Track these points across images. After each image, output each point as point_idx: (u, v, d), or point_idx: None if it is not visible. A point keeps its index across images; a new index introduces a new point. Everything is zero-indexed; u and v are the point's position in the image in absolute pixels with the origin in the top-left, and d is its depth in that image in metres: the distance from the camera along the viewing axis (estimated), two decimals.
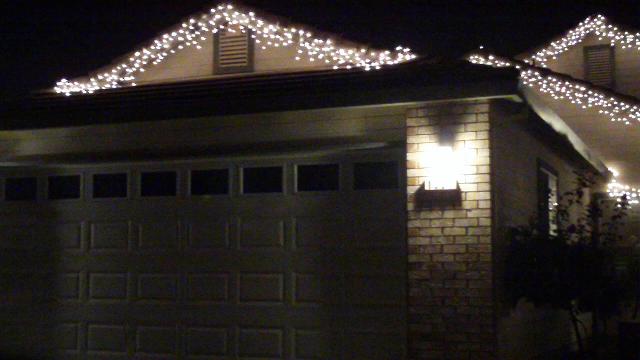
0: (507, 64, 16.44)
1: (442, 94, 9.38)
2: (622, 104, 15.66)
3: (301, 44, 13.04)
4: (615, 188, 15.35)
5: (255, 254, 10.30)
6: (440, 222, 9.36)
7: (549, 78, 16.36)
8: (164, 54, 13.90)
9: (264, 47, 13.39)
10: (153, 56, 13.91)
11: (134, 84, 13.81)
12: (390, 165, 9.80)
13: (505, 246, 9.70)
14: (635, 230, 14.92)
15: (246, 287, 10.29)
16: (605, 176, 15.34)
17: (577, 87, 16.19)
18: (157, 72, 13.88)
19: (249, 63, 13.51)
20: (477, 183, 9.30)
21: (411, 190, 9.47)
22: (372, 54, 12.51)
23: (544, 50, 18.71)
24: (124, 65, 13.94)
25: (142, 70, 13.95)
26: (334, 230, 9.99)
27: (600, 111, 15.79)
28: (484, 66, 13.04)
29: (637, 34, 18.05)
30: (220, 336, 10.29)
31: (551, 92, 16.21)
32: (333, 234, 9.99)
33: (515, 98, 9.26)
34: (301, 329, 9.96)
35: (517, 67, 15.23)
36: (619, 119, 15.70)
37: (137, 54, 13.87)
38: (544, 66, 17.72)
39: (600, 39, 18.46)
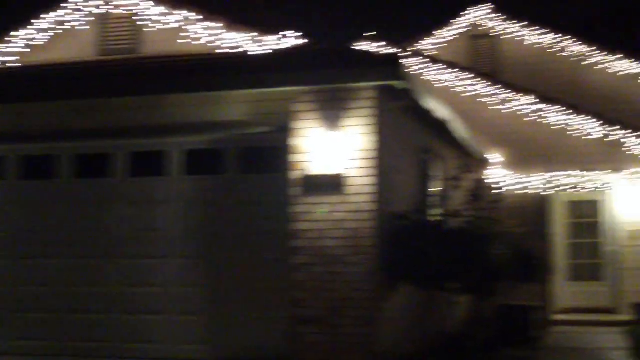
0: (392, 51, 16.64)
1: (327, 79, 9.46)
2: (506, 91, 16.07)
3: (189, 27, 12.92)
4: (496, 174, 15.76)
5: (139, 239, 10.17)
6: (324, 207, 9.42)
7: (436, 65, 16.64)
8: (49, 33, 13.56)
9: (151, 29, 13.22)
10: (36, 36, 13.56)
11: (15, 65, 13.42)
12: (276, 150, 9.79)
13: (388, 231, 9.83)
14: (515, 215, 15.38)
15: (130, 273, 10.15)
16: (488, 162, 15.73)
17: (462, 74, 16.52)
18: (41, 53, 13.54)
19: (136, 45, 13.32)
20: (362, 168, 9.41)
21: (296, 175, 9.51)
22: (262, 38, 12.50)
23: (431, 38, 19.07)
24: (2, 45, 13.52)
25: (26, 50, 13.58)
26: (220, 215, 9.96)
27: (485, 99, 16.15)
28: (368, 52, 13.19)
29: (522, 24, 18.54)
30: (102, 323, 10.14)
31: (437, 79, 16.47)
32: (218, 219, 9.96)
33: (399, 84, 9.40)
34: (183, 314, 9.89)
35: (402, 53, 15.51)
36: (503, 106, 16.10)
37: (17, 33, 13.48)
38: (431, 54, 18.01)
39: (485, 28, 18.89)
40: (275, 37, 12.27)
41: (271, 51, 11.41)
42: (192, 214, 10.03)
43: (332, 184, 9.41)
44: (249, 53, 11.42)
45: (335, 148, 9.41)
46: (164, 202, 10.12)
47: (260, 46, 12.10)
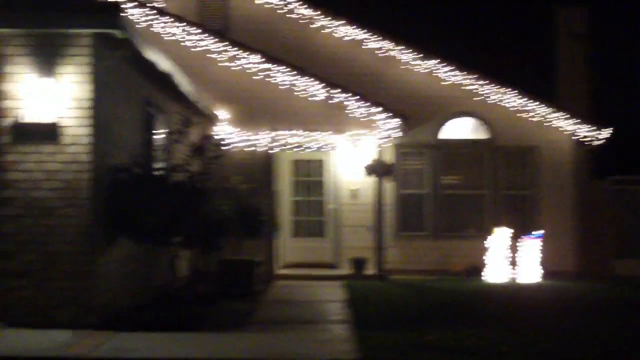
0: None
1: (42, 23, 9.06)
2: (233, 49, 16.11)
3: None
4: (224, 130, 15.84)
5: None
6: (37, 157, 9.09)
7: (164, 18, 16.33)
8: None
9: None
10: None
11: None
12: None
13: (107, 183, 9.62)
14: (241, 172, 15.57)
15: None
16: (215, 118, 15.77)
17: (191, 29, 16.34)
18: None
19: None
20: (77, 118, 9.15)
21: (6, 122, 9.07)
22: None
23: None
24: None
25: None
26: None
27: (213, 55, 16.09)
28: None
29: None
30: None
31: (165, 32, 16.17)
32: None
33: (118, 33, 9.18)
34: None
35: (125, 2, 15.17)
36: (230, 64, 16.14)
37: None
38: (160, 6, 17.62)
39: None
40: None
41: None
42: None
43: (46, 133, 9.06)
44: None
45: (50, 96, 9.07)
46: None
47: None
